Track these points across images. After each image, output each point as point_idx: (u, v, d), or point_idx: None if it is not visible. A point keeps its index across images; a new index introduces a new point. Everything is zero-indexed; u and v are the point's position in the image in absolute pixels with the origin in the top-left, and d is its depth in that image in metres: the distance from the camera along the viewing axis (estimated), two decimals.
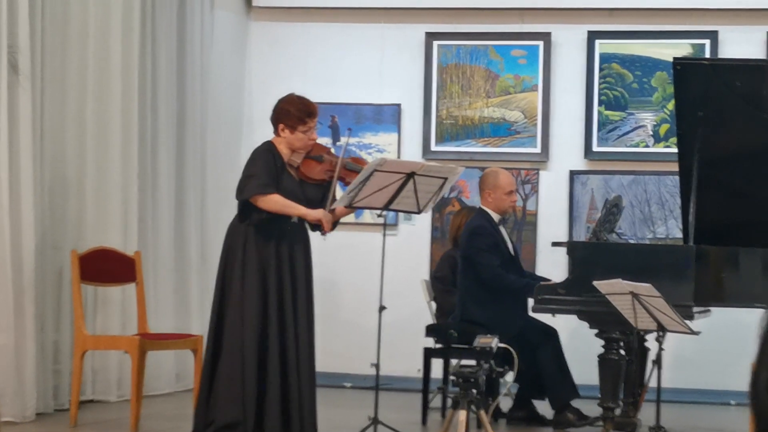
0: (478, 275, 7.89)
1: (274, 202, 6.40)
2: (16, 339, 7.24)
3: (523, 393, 8.03)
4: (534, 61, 10.13)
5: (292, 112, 6.51)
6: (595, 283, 6.52)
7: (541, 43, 10.12)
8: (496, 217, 8.07)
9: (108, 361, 8.27)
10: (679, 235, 8.63)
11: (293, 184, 6.52)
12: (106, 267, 7.66)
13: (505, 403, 8.13)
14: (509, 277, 7.90)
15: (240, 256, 6.42)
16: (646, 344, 7.97)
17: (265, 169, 6.45)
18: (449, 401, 6.24)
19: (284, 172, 6.53)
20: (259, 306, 6.36)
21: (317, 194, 6.59)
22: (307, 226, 6.62)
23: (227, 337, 6.39)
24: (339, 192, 6.65)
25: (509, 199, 8.09)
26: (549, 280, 7.70)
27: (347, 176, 6.62)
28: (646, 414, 7.47)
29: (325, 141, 9.31)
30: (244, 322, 6.34)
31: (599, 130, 9.99)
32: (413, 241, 10.18)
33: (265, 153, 6.54)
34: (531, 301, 7.43)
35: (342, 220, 8.87)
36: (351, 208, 6.66)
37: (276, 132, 6.58)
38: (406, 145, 10.30)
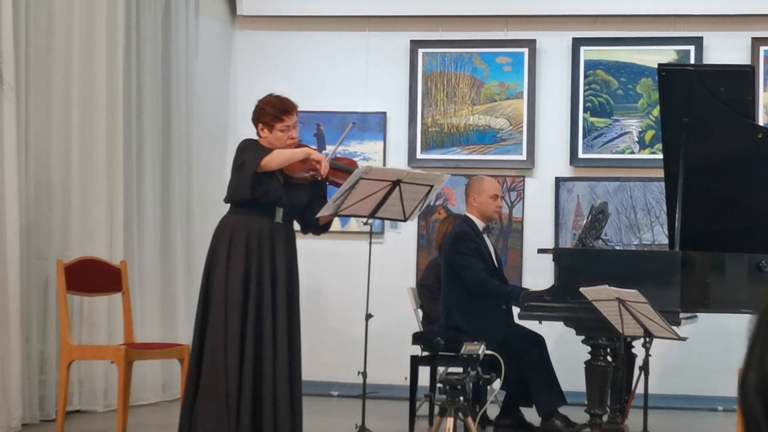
0: (462, 281, 7.87)
1: (278, 154, 6.30)
2: (2, 350, 7.22)
3: (510, 400, 8.02)
4: (519, 69, 10.14)
5: (268, 110, 6.44)
6: (582, 289, 6.52)
7: (526, 51, 10.13)
8: (480, 224, 8.04)
9: (94, 371, 8.25)
10: (665, 241, 8.64)
11: (279, 187, 6.43)
12: (92, 277, 7.64)
13: (492, 411, 8.12)
14: (494, 281, 7.89)
15: (224, 262, 6.35)
16: (633, 350, 7.97)
17: (256, 145, 6.41)
18: (436, 409, 6.22)
19: (268, 174, 6.42)
20: (241, 313, 6.31)
21: (303, 196, 6.47)
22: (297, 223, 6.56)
23: (208, 347, 6.32)
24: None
25: (494, 203, 8.07)
26: None
27: (331, 175, 6.50)
28: (633, 420, 7.48)
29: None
30: (227, 331, 6.27)
31: (584, 136, 10.00)
32: (399, 249, 10.18)
33: (251, 140, 6.49)
34: (517, 308, 7.43)
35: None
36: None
37: (257, 133, 6.51)
38: (391, 153, 10.31)
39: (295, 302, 6.47)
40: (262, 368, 6.25)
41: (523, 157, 10.09)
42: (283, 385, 6.30)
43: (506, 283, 8.12)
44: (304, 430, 6.49)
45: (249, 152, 6.34)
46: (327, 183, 6.61)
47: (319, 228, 6.65)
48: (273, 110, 6.44)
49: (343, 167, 6.59)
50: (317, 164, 6.31)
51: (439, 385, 5.77)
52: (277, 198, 6.37)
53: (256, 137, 6.53)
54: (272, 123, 6.41)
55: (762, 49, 9.78)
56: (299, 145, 6.54)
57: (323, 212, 6.48)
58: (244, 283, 6.31)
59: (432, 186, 6.61)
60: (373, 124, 10.33)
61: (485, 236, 8.09)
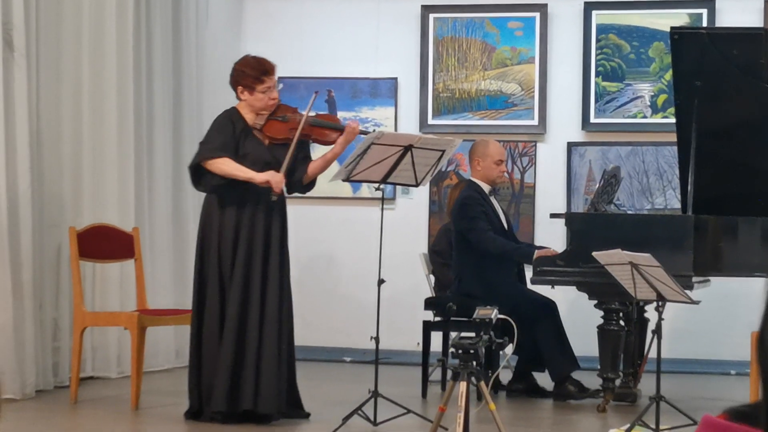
0: (471, 245, 7.87)
1: (223, 163, 6.33)
2: (15, 317, 7.23)
3: (522, 365, 8.03)
4: (530, 33, 10.10)
5: (248, 72, 6.43)
6: (595, 253, 6.51)
7: (537, 15, 10.08)
8: (486, 188, 8.04)
9: (107, 338, 8.28)
10: (678, 205, 8.62)
11: (259, 148, 6.44)
12: (105, 244, 7.65)
13: (505, 376, 8.13)
14: (500, 239, 7.87)
15: (216, 229, 6.41)
16: (646, 315, 7.97)
17: (218, 134, 6.40)
18: (449, 373, 6.22)
19: (248, 137, 6.46)
20: (218, 285, 6.40)
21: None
22: (284, 191, 6.56)
23: (202, 316, 6.50)
24: (321, 151, 6.60)
25: (498, 168, 8.06)
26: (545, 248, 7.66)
27: (314, 133, 6.53)
28: (646, 384, 7.48)
29: None
30: (226, 302, 6.41)
31: (596, 101, 9.96)
32: (411, 215, 10.17)
33: (223, 119, 6.49)
34: (530, 273, 7.43)
35: (336, 194, 8.81)
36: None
37: (237, 96, 6.52)
38: (403, 118, 10.28)
39: (286, 268, 6.54)
40: (246, 334, 6.35)
41: (535, 122, 10.07)
42: (274, 348, 6.37)
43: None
44: (314, 396, 6.51)
45: (203, 144, 6.44)
46: (311, 142, 6.63)
47: (304, 187, 6.68)
48: (253, 71, 6.42)
49: (324, 123, 6.58)
50: (267, 184, 6.31)
51: (451, 349, 5.77)
52: (260, 161, 6.41)
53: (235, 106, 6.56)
54: (253, 85, 6.41)
55: None
56: (281, 107, 6.52)
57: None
58: (235, 252, 6.38)
59: (444, 151, 6.60)
60: (384, 90, 10.30)
61: (492, 199, 8.08)
